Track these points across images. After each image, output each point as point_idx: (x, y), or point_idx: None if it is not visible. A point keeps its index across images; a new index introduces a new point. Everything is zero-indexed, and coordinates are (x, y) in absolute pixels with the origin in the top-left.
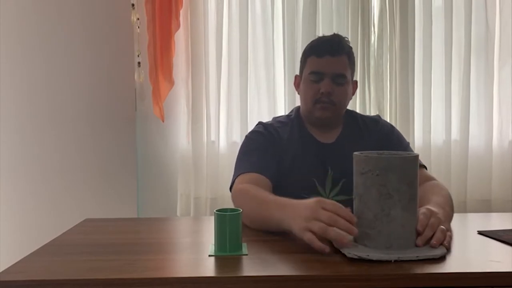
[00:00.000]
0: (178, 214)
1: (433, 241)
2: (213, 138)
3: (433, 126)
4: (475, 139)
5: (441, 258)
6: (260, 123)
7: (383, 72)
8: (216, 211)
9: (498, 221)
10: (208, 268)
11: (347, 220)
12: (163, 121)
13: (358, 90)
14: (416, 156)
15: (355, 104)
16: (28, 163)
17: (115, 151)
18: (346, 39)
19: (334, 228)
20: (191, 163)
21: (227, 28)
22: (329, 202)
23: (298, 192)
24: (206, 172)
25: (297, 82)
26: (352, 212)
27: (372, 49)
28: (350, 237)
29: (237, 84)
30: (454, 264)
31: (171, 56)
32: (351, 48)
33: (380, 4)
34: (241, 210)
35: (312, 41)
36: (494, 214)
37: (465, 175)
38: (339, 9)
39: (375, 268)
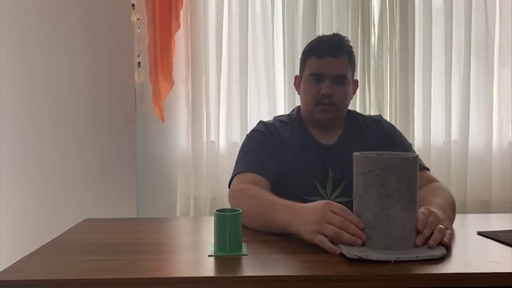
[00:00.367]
0: (178, 214)
1: (431, 241)
2: (213, 138)
3: (433, 127)
4: (475, 140)
5: (441, 259)
6: (261, 122)
7: (383, 73)
8: (216, 211)
9: (498, 222)
10: (208, 268)
11: (355, 225)
12: (163, 121)
13: (358, 91)
14: (416, 157)
15: (355, 104)
16: (28, 163)
17: (115, 151)
18: (346, 38)
19: (346, 233)
20: (191, 163)
21: (227, 28)
22: (338, 206)
23: (298, 192)
24: (206, 172)
25: (297, 82)
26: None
27: (372, 49)
28: (360, 241)
29: (237, 84)
30: (453, 264)
31: (171, 56)
32: (351, 47)
33: (380, 5)
34: (241, 210)
35: (312, 41)
36: (493, 215)
37: (465, 176)
38: (339, 9)
39: (375, 269)
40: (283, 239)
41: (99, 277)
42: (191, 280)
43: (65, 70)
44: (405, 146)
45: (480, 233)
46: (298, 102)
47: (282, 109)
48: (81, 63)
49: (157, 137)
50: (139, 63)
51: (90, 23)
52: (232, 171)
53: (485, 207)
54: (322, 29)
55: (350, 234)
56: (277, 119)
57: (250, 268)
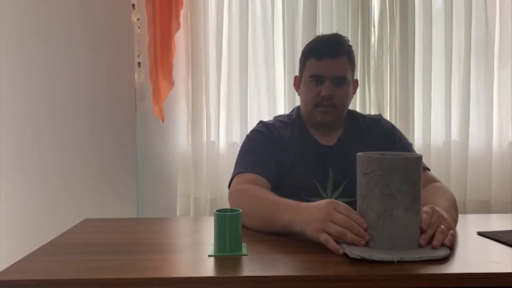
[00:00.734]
0: (178, 214)
1: (434, 242)
2: (213, 138)
3: (433, 127)
4: (475, 140)
5: (444, 259)
6: (261, 122)
7: (383, 73)
8: (216, 211)
9: (498, 222)
10: (207, 268)
11: (359, 225)
12: (163, 121)
13: (358, 91)
14: (419, 157)
15: (355, 104)
16: (28, 163)
17: (115, 151)
18: (346, 38)
19: (350, 233)
20: (191, 163)
21: (227, 28)
22: (342, 205)
23: (298, 193)
24: (206, 173)
25: (297, 83)
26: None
27: (372, 49)
28: (363, 242)
29: (237, 84)
30: (454, 264)
31: (171, 56)
32: (350, 47)
33: (380, 5)
34: (241, 210)
35: (311, 42)
36: (493, 215)
37: (465, 176)
38: (339, 9)
39: (376, 269)
40: (283, 239)
41: (99, 277)
42: (191, 280)
43: (65, 70)
44: (405, 146)
45: (480, 234)
46: (298, 102)
47: (282, 109)
48: (81, 63)
49: (157, 137)
50: (139, 63)
51: (90, 23)
52: (232, 171)
53: (485, 208)
54: (322, 29)
55: (354, 234)
56: (277, 119)
57: (250, 268)
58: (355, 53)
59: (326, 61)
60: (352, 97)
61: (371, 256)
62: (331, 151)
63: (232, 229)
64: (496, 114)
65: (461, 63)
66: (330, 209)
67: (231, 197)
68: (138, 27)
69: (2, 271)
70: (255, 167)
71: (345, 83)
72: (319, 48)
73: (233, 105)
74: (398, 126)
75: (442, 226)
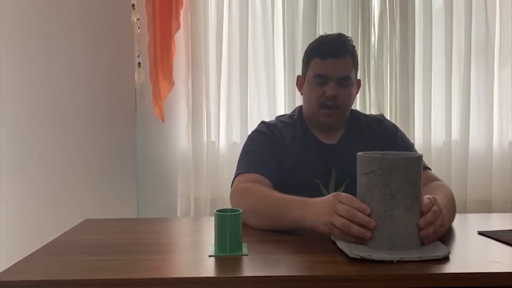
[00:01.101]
0: (178, 214)
1: (422, 233)
2: (213, 138)
3: (433, 127)
4: (475, 140)
5: (444, 259)
6: (263, 122)
7: (383, 73)
8: (216, 211)
9: (498, 222)
10: (208, 269)
11: (361, 211)
12: (163, 122)
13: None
14: (420, 157)
15: (356, 105)
16: (28, 163)
17: (115, 151)
18: (349, 38)
19: (355, 225)
20: (191, 164)
21: (227, 28)
22: (344, 195)
23: (300, 191)
24: (206, 173)
25: (300, 83)
26: None
27: (372, 49)
28: (369, 234)
29: (237, 84)
30: (454, 264)
31: (171, 56)
32: (354, 47)
33: (380, 5)
34: (243, 209)
35: (315, 42)
36: (494, 215)
37: (465, 176)
38: (339, 9)
39: (376, 269)
40: (284, 239)
41: (100, 278)
42: (191, 281)
43: (65, 70)
44: (407, 146)
45: (480, 233)
46: (298, 102)
47: (282, 109)
48: (81, 63)
49: (157, 137)
50: (139, 63)
51: (90, 23)
52: (232, 171)
53: (486, 207)
54: (322, 30)
55: (358, 223)
56: (279, 119)
57: (251, 268)
58: (356, 51)
59: (331, 61)
60: (355, 98)
61: (371, 256)
62: (333, 150)
63: (232, 229)
64: (496, 114)
65: (461, 63)
66: (335, 201)
67: (233, 197)
68: (138, 27)
69: (2, 272)
70: (257, 167)
71: (349, 83)
72: (323, 48)
73: (233, 105)
74: (398, 126)
75: (438, 221)
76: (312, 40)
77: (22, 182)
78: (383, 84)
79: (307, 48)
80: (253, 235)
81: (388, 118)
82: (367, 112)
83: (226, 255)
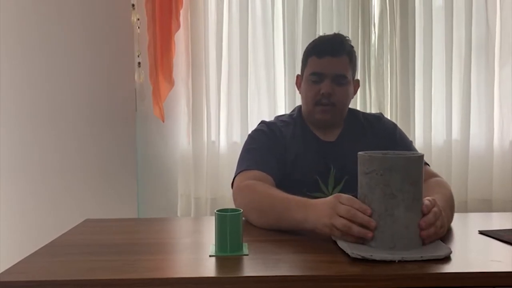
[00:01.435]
0: (178, 214)
1: (423, 234)
2: (213, 138)
3: (433, 126)
4: (476, 139)
5: (445, 259)
6: (263, 122)
7: (384, 72)
8: (216, 211)
9: (499, 221)
10: (208, 269)
11: (362, 212)
12: (163, 121)
13: (359, 90)
14: (421, 156)
15: (356, 104)
16: (28, 163)
17: (115, 151)
18: (348, 38)
19: (355, 225)
20: (191, 163)
21: (227, 28)
22: (345, 196)
23: (299, 188)
24: (206, 173)
25: (299, 81)
26: None
27: (372, 49)
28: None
29: (237, 84)
30: (455, 264)
31: (171, 56)
32: (352, 47)
33: (380, 4)
34: (246, 206)
35: (314, 41)
36: (495, 214)
37: (466, 175)
38: (339, 9)
39: (377, 268)
40: (284, 239)
41: (100, 278)
42: (191, 281)
43: (65, 70)
44: (406, 144)
45: (481, 232)
46: (298, 102)
47: (282, 109)
48: (81, 63)
49: (157, 137)
50: (139, 63)
51: (90, 23)
52: (233, 171)
53: (486, 206)
54: (323, 29)
55: (358, 223)
56: (279, 118)
57: (251, 268)
58: (355, 52)
59: (327, 59)
60: (353, 97)
61: (372, 255)
62: (332, 147)
63: (233, 229)
64: (497, 112)
65: (462, 61)
66: (335, 202)
67: (236, 194)
68: (138, 27)
69: (2, 272)
70: (258, 164)
71: (345, 82)
72: (321, 46)
73: (233, 105)
74: (398, 125)
75: (438, 222)
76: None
77: (22, 182)
78: (383, 83)
79: (306, 47)
80: (253, 235)
81: (389, 117)
82: (367, 111)
83: (227, 255)
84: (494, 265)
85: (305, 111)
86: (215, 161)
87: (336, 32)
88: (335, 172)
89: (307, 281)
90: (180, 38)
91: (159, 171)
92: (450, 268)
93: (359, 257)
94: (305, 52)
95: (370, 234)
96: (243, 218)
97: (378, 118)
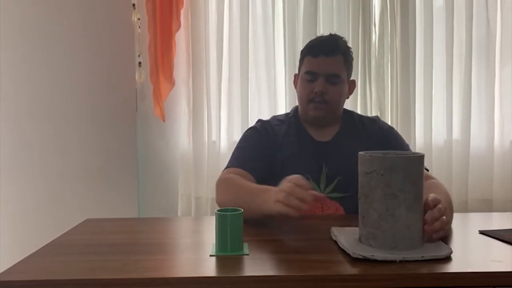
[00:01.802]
0: (179, 214)
1: (429, 229)
2: (214, 138)
3: (434, 126)
4: (477, 139)
5: (446, 258)
6: (259, 120)
7: (384, 72)
8: (217, 211)
9: (500, 221)
10: (209, 268)
11: (301, 187)
12: (164, 121)
13: (359, 90)
14: (421, 156)
15: (356, 104)
16: (28, 163)
17: (115, 151)
18: (344, 39)
19: (294, 198)
20: (192, 163)
21: (228, 28)
22: (292, 176)
23: None
24: (207, 172)
25: (296, 80)
26: (357, 212)
27: (373, 48)
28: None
29: (238, 84)
30: (455, 264)
31: (172, 56)
32: (348, 47)
33: (381, 4)
34: (222, 198)
35: (310, 41)
36: (495, 214)
37: (466, 175)
38: (339, 8)
39: (378, 268)
40: (285, 239)
41: (100, 277)
42: (192, 280)
43: (66, 70)
44: (401, 146)
45: (482, 232)
46: None
47: (283, 109)
48: (81, 63)
49: (158, 137)
50: (139, 63)
51: (90, 23)
52: None
53: (487, 206)
54: (323, 29)
55: (299, 197)
56: (275, 118)
57: (252, 268)
58: (356, 52)
59: (321, 59)
60: (348, 97)
61: (373, 255)
62: (325, 147)
63: (233, 229)
64: (497, 112)
65: (462, 61)
66: (285, 183)
67: (216, 187)
68: (139, 27)
69: (3, 272)
70: (242, 163)
71: (338, 81)
72: (316, 46)
73: (234, 104)
74: (399, 125)
75: (444, 217)
76: None
77: (23, 182)
78: (383, 83)
79: (303, 47)
80: (254, 234)
81: (389, 117)
82: (368, 111)
83: (227, 254)
84: (495, 265)
85: (300, 109)
86: (216, 161)
87: (336, 32)
88: (327, 171)
89: (307, 281)
90: (180, 38)
91: (160, 171)
92: (451, 268)
93: (360, 257)
94: (301, 52)
95: (304, 206)
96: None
97: (374, 120)
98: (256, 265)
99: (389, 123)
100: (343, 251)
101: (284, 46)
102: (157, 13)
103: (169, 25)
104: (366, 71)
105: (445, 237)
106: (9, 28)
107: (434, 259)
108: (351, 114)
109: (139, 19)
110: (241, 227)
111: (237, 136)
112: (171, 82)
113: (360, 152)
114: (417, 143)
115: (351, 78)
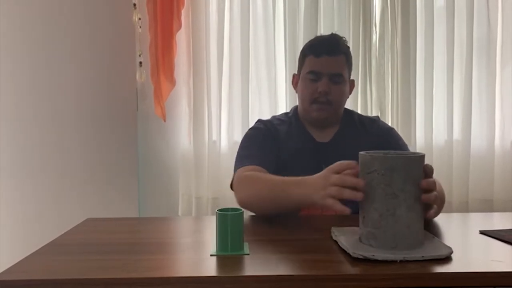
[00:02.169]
0: (179, 213)
1: (424, 197)
2: (214, 137)
3: (435, 126)
4: (477, 139)
5: (447, 258)
6: (259, 120)
7: (385, 72)
8: (217, 210)
9: (500, 221)
10: (209, 268)
11: (352, 174)
12: (164, 121)
13: (359, 90)
14: (422, 156)
15: (357, 104)
16: (29, 163)
17: (116, 151)
18: (344, 38)
19: (347, 189)
20: (192, 163)
21: (229, 27)
22: (335, 165)
23: None
24: (208, 172)
25: (295, 80)
26: (357, 212)
27: (373, 48)
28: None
29: (239, 83)
30: (456, 263)
31: (173, 56)
32: (348, 47)
33: (381, 4)
34: (248, 195)
35: (311, 41)
36: (496, 214)
37: (467, 175)
38: (340, 8)
39: (378, 268)
40: (286, 239)
41: (101, 277)
42: (192, 280)
43: (66, 70)
44: (401, 146)
45: (482, 232)
46: None
47: (283, 109)
48: (82, 63)
49: (158, 136)
50: (140, 62)
51: (91, 23)
52: (233, 170)
53: (487, 206)
54: (324, 29)
55: (350, 186)
56: (275, 117)
57: (252, 267)
58: (356, 52)
59: (324, 58)
60: (348, 97)
61: (373, 255)
62: (326, 147)
63: (234, 229)
64: (498, 112)
65: (463, 61)
66: (328, 173)
67: (236, 187)
68: (140, 27)
69: (4, 271)
70: (256, 159)
71: (341, 80)
72: (318, 46)
73: (234, 104)
74: (399, 126)
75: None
76: None
77: (23, 182)
78: (384, 83)
79: (303, 47)
80: (254, 234)
81: (390, 117)
82: (368, 111)
83: (228, 254)
84: (495, 265)
85: (301, 110)
86: (216, 161)
87: (337, 32)
88: None
89: (307, 280)
90: (181, 38)
91: (160, 171)
92: (451, 268)
93: (360, 257)
94: (302, 51)
95: (359, 195)
96: (244, 209)
97: (374, 120)
98: (257, 265)
99: (390, 123)
100: (343, 251)
101: (285, 46)
102: (158, 13)
103: (170, 25)
104: (366, 71)
105: (446, 237)
106: (9, 28)
107: (435, 259)
108: (351, 114)
109: (140, 19)
110: (241, 226)
111: (238, 136)
112: (172, 82)
113: (361, 152)
114: (418, 143)
115: (350, 78)
